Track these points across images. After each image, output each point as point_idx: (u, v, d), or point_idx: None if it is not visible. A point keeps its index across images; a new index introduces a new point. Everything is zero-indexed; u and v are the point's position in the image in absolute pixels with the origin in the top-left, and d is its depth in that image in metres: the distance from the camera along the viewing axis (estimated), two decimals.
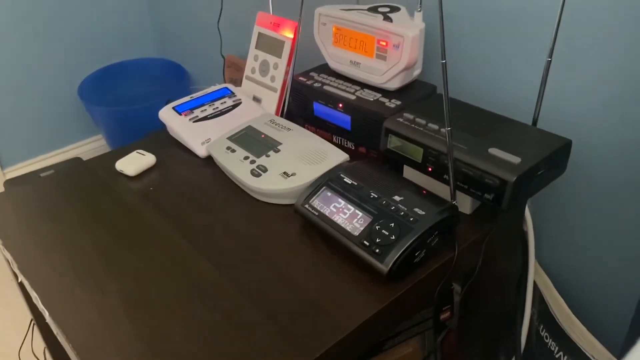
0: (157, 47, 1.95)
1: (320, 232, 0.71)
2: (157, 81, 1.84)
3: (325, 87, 0.87)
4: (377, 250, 0.64)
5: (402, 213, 0.66)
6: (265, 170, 0.79)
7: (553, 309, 0.87)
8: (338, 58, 0.88)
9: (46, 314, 0.64)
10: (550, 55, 0.68)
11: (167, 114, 0.94)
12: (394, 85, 0.83)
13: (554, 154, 0.68)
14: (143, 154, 0.89)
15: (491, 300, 0.89)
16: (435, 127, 0.73)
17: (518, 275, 0.91)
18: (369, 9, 0.85)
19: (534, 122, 0.74)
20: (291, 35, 0.93)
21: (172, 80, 1.81)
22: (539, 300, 0.89)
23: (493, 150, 0.68)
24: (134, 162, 0.87)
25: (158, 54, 1.94)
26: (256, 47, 1.00)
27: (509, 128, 0.73)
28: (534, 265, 0.89)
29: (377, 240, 0.64)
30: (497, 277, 0.87)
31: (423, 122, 0.74)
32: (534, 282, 0.90)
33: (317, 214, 0.71)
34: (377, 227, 0.66)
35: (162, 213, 0.78)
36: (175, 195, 0.82)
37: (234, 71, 1.33)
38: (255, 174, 0.79)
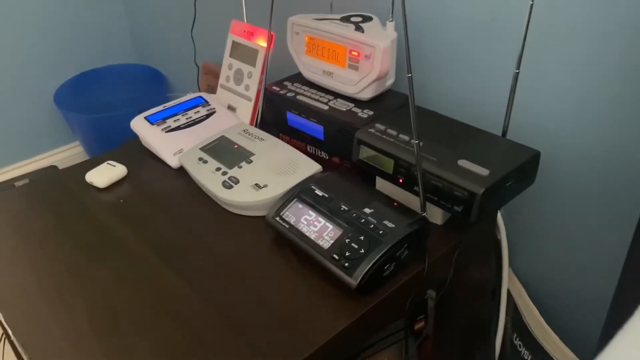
0: (135, 53, 1.94)
1: (291, 245, 0.71)
2: (135, 87, 1.82)
3: (299, 97, 0.86)
4: (347, 264, 0.63)
5: (372, 226, 0.66)
6: (237, 182, 0.79)
7: (526, 317, 0.87)
8: (311, 67, 0.88)
9: (9, 332, 0.63)
10: (518, 67, 0.68)
11: (139, 124, 0.92)
12: (367, 95, 0.83)
13: (522, 165, 0.68)
14: (114, 165, 0.88)
15: (466, 309, 0.89)
16: (406, 138, 0.73)
17: (492, 283, 0.91)
18: (342, 19, 0.84)
19: (504, 133, 0.74)
20: (264, 44, 0.92)
21: (151, 86, 1.79)
22: (513, 308, 0.90)
23: (462, 162, 0.68)
24: (104, 174, 0.86)
25: (137, 60, 1.92)
26: (230, 56, 0.99)
27: (479, 139, 0.73)
28: (508, 274, 0.89)
29: (347, 254, 0.64)
30: (471, 286, 0.87)
31: (394, 133, 0.74)
32: (508, 291, 0.90)
33: (288, 226, 0.70)
34: (347, 240, 0.65)
35: (132, 226, 0.77)
36: (145, 207, 0.81)
37: (211, 78, 1.32)
38: (227, 185, 0.78)
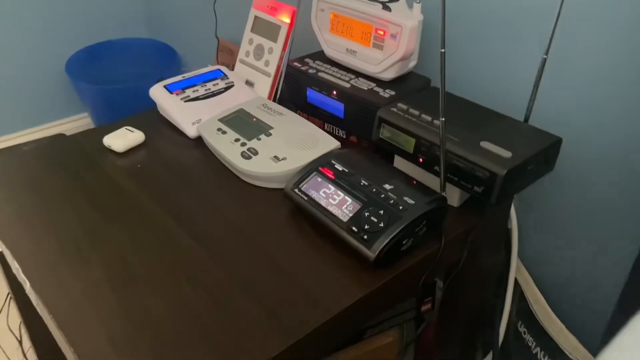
0: (148, 27, 1.93)
1: (309, 218, 0.71)
2: (146, 63, 1.82)
3: (320, 74, 0.87)
4: (365, 237, 0.64)
5: (392, 201, 0.66)
6: (256, 153, 0.79)
7: (533, 305, 0.88)
8: (334, 45, 0.88)
9: (27, 285, 0.63)
10: (547, 53, 0.68)
11: (158, 92, 0.92)
12: (389, 75, 0.83)
13: (544, 150, 0.69)
14: (132, 131, 0.88)
15: (472, 295, 0.90)
16: (429, 118, 0.73)
17: (500, 271, 0.92)
18: None
19: (526, 119, 0.74)
20: (288, 20, 0.92)
21: (163, 62, 1.79)
22: (519, 296, 0.90)
23: (485, 144, 0.68)
24: (123, 138, 0.86)
25: (149, 35, 1.92)
26: (252, 31, 0.99)
27: (502, 123, 0.74)
28: (516, 262, 0.90)
29: (366, 227, 0.65)
30: (480, 272, 0.88)
31: (416, 112, 0.75)
32: (515, 279, 0.91)
33: (306, 198, 0.70)
34: (366, 214, 0.66)
35: (150, 191, 0.77)
36: (163, 174, 0.81)
37: (226, 55, 1.32)
38: (245, 156, 0.79)
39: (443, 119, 0.64)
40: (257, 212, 0.74)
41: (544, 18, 0.78)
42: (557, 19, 0.67)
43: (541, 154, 0.69)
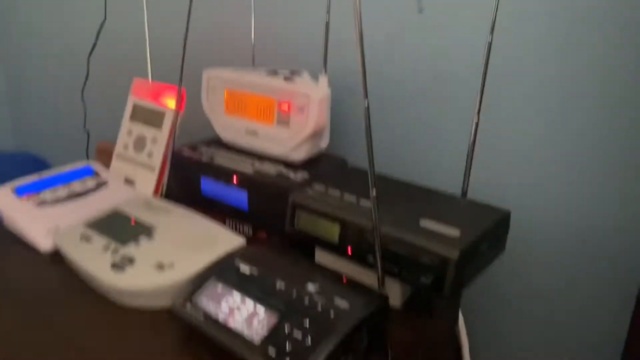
0: (15, 138, 1.70)
1: (207, 344, 0.51)
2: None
3: (216, 160, 0.71)
4: None
5: (319, 307, 0.49)
6: (132, 261, 0.59)
7: None
8: (232, 128, 0.74)
9: None
10: (478, 117, 0.59)
11: (1, 199, 0.71)
12: (299, 156, 0.70)
13: (495, 225, 0.57)
14: None
15: None
16: (353, 199, 0.59)
17: None
18: (267, 72, 0.73)
19: (464, 192, 0.63)
20: (173, 105, 0.78)
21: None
22: None
23: (425, 222, 0.55)
24: None
25: (16, 147, 1.69)
26: (130, 120, 0.83)
27: (438, 200, 0.62)
28: None
29: (288, 349, 0.46)
30: None
31: (337, 194, 0.61)
32: None
33: (202, 317, 0.51)
34: (286, 329, 0.48)
35: None
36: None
37: (107, 159, 1.13)
38: (117, 266, 0.58)
39: (374, 191, 0.50)
40: (135, 344, 0.52)
41: (469, 82, 0.71)
42: (484, 80, 0.59)
43: (492, 230, 0.56)
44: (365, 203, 0.58)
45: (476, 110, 0.59)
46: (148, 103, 0.81)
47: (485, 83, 0.58)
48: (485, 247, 0.55)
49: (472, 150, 0.61)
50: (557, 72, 0.64)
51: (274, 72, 0.73)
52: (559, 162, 0.66)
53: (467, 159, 0.61)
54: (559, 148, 0.66)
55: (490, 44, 0.57)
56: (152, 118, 0.81)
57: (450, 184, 0.68)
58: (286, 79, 0.70)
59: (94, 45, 0.96)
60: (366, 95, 0.45)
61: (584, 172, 0.65)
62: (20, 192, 0.72)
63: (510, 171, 0.70)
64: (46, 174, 0.76)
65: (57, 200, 0.72)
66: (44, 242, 0.66)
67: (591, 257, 0.67)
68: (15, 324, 0.54)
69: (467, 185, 0.63)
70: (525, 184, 0.69)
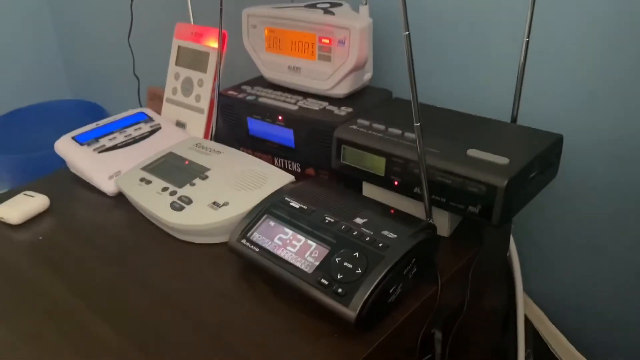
0: (71, 88, 1.76)
1: (264, 274, 0.54)
2: (74, 125, 1.63)
3: (261, 99, 0.72)
4: (340, 290, 0.47)
5: (368, 239, 0.51)
6: (189, 202, 0.62)
7: (552, 345, 0.72)
8: (273, 65, 0.74)
9: None
10: (528, 36, 0.56)
11: (64, 146, 0.75)
12: (342, 91, 0.70)
13: (545, 151, 0.55)
14: (32, 196, 0.69)
15: (479, 343, 0.74)
16: (398, 131, 0.59)
17: (505, 311, 0.77)
18: (306, 6, 0.72)
19: (514, 119, 0.61)
20: (216, 45, 0.78)
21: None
22: (534, 338, 0.75)
23: (473, 152, 0.54)
24: (19, 207, 0.67)
25: (73, 96, 1.75)
26: (176, 64, 0.85)
27: (488, 128, 0.60)
28: (523, 298, 0.75)
29: (339, 277, 0.48)
30: (484, 315, 0.72)
31: (382, 127, 0.60)
32: (525, 317, 0.75)
33: (257, 250, 0.54)
34: (337, 259, 0.50)
35: (53, 268, 0.59)
36: (72, 244, 0.63)
37: (158, 104, 1.17)
38: (176, 207, 0.62)
39: (418, 124, 0.50)
40: (196, 277, 0.57)
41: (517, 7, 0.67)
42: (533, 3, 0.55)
43: (542, 156, 0.55)
44: (411, 135, 0.58)
45: (526, 29, 0.56)
46: (192, 44, 0.82)
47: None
48: (536, 174, 0.54)
49: (523, 73, 0.58)
50: None
51: (313, 6, 0.71)
52: (612, 86, 0.62)
53: (517, 82, 0.59)
54: (613, 72, 0.62)
55: None
56: (196, 61, 0.81)
57: (500, 111, 0.66)
58: (326, 11, 0.68)
59: None
60: (407, 24, 0.44)
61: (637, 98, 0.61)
62: (81, 139, 0.76)
63: (562, 94, 0.67)
64: (103, 122, 0.79)
65: (116, 146, 0.75)
66: (107, 186, 0.71)
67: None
68: (92, 263, 0.60)
69: (517, 110, 0.61)
70: (576, 109, 0.66)
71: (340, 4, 0.72)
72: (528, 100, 0.67)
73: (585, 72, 0.64)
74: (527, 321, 0.75)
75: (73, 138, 0.76)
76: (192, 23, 0.84)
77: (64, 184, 0.75)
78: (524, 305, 0.74)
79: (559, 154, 0.58)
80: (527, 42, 0.56)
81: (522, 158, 0.53)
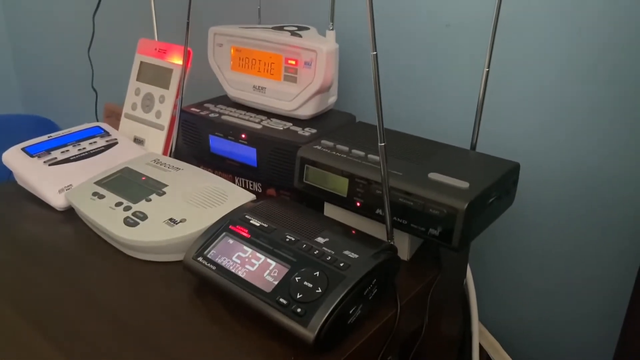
0: (24, 101, 1.70)
1: (220, 294, 0.52)
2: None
3: (224, 117, 0.71)
4: (299, 310, 0.46)
5: (329, 258, 0.50)
6: (144, 217, 0.60)
7: None
8: (238, 84, 0.74)
9: None
10: (488, 66, 0.58)
11: (13, 157, 0.72)
12: (307, 112, 0.70)
13: (503, 178, 0.57)
14: None
15: None
16: (361, 153, 0.59)
17: (461, 339, 0.77)
18: (274, 28, 0.72)
19: (473, 146, 0.63)
20: (180, 62, 0.77)
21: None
22: None
23: (434, 175, 0.55)
24: None
25: (26, 109, 1.69)
26: (138, 79, 0.83)
27: (447, 153, 0.61)
28: (478, 326, 0.75)
29: (298, 297, 0.47)
30: (439, 343, 0.72)
31: (345, 148, 0.61)
32: (480, 346, 0.76)
33: (214, 268, 0.52)
34: (297, 278, 0.49)
35: None
36: (15, 262, 0.59)
37: (115, 121, 1.14)
38: (130, 222, 0.59)
39: (383, 144, 0.50)
40: (149, 296, 0.54)
41: (477, 33, 0.70)
42: (494, 30, 0.58)
43: (500, 182, 0.56)
44: (374, 157, 0.58)
45: (487, 60, 0.58)
46: (155, 60, 0.81)
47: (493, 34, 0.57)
48: (494, 199, 0.56)
49: (482, 102, 0.60)
50: (563, 23, 0.63)
51: (280, 28, 0.72)
52: (566, 111, 0.65)
53: (477, 111, 0.61)
54: (563, 98, 0.65)
55: None
56: (159, 77, 0.80)
57: (459, 138, 0.67)
58: (293, 34, 0.69)
59: (99, 3, 0.95)
60: (374, 44, 0.45)
61: (590, 122, 0.64)
62: (31, 151, 0.72)
63: (518, 123, 0.69)
64: (56, 134, 0.76)
65: (68, 159, 0.72)
66: (57, 200, 0.67)
67: (598, 204, 0.67)
68: (36, 279, 0.56)
69: (477, 138, 0.62)
70: (532, 135, 0.69)
71: (307, 28, 0.72)
72: (487, 129, 0.69)
73: (541, 103, 0.67)
74: (482, 350, 0.76)
75: (23, 149, 0.72)
76: (157, 39, 0.83)
77: (9, 198, 0.71)
78: (478, 334, 0.75)
79: (515, 182, 0.60)
80: (487, 73, 0.58)
81: (481, 183, 0.54)
